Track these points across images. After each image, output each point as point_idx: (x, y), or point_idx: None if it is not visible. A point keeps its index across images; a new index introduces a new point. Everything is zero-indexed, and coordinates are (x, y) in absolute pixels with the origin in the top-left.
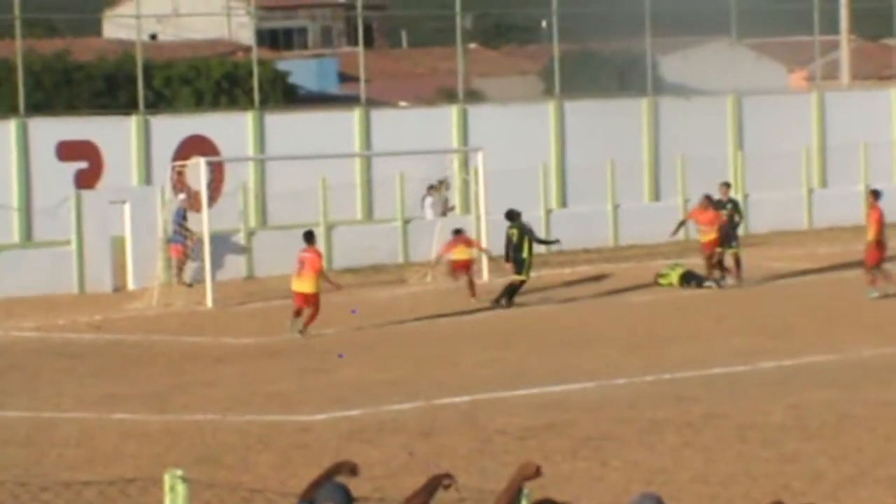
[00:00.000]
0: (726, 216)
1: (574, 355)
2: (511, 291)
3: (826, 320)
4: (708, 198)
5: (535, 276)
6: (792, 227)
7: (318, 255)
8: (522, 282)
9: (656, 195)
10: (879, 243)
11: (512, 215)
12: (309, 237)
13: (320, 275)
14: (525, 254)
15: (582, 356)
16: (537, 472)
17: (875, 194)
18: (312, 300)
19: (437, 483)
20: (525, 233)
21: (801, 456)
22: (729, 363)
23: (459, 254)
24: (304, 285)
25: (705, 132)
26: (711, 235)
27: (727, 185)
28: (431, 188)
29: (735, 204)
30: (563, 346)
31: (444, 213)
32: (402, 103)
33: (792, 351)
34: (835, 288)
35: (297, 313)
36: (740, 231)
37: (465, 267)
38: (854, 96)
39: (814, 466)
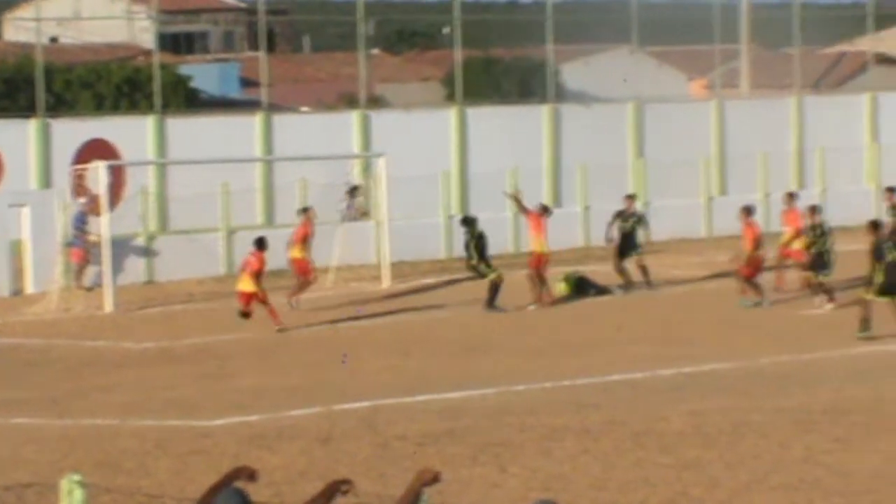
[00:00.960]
0: (630, 228)
1: (474, 362)
2: (490, 292)
3: (724, 328)
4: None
5: (435, 281)
6: (691, 234)
7: (259, 259)
8: (492, 281)
9: (557, 202)
10: (754, 259)
11: (465, 221)
12: (257, 243)
13: (254, 277)
14: (474, 260)
15: (482, 363)
16: (436, 478)
17: (748, 211)
18: (253, 298)
19: (335, 489)
20: (473, 238)
21: (698, 463)
22: (628, 370)
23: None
24: (242, 284)
25: (606, 139)
26: None
27: (631, 198)
28: (354, 189)
29: (639, 217)
30: (463, 353)
31: (355, 219)
32: (304, 108)
33: (690, 358)
34: (733, 296)
35: (244, 313)
36: (642, 238)
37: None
38: (753, 105)
39: (711, 473)
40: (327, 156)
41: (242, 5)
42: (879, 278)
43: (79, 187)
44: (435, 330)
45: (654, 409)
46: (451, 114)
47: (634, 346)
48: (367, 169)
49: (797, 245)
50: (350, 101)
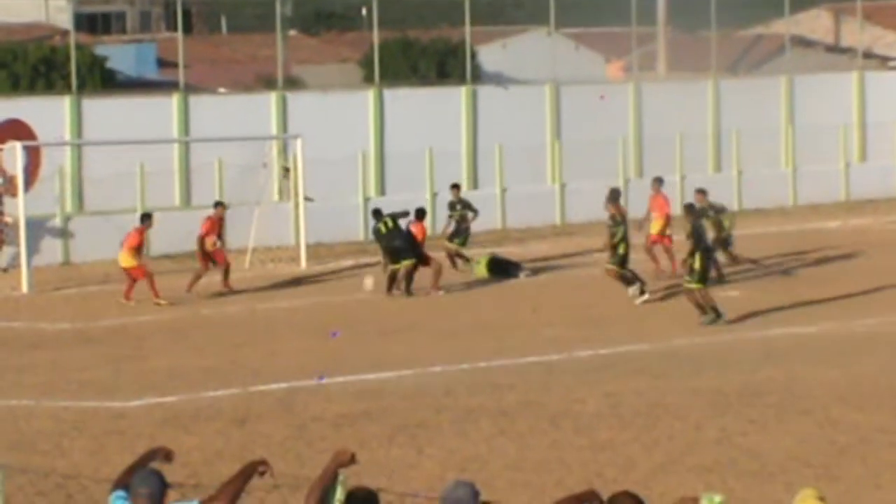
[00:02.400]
0: (459, 216)
1: (390, 343)
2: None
3: (638, 310)
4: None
5: (352, 263)
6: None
7: (137, 232)
8: (406, 268)
9: (475, 183)
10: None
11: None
12: (142, 217)
13: (132, 252)
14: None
15: (398, 344)
16: (352, 459)
17: (659, 182)
18: (133, 273)
19: (252, 470)
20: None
21: (614, 444)
22: (543, 352)
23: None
24: (122, 260)
25: (524, 121)
26: None
27: (457, 187)
28: (287, 170)
29: (465, 204)
30: (380, 335)
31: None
32: (222, 89)
33: (606, 340)
34: (648, 276)
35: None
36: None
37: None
38: (670, 87)
39: (626, 454)
40: (245, 137)
41: None
42: (697, 265)
43: None
44: (351, 312)
45: (570, 390)
46: (368, 95)
47: (550, 328)
48: (284, 150)
49: (655, 229)
50: (267, 83)
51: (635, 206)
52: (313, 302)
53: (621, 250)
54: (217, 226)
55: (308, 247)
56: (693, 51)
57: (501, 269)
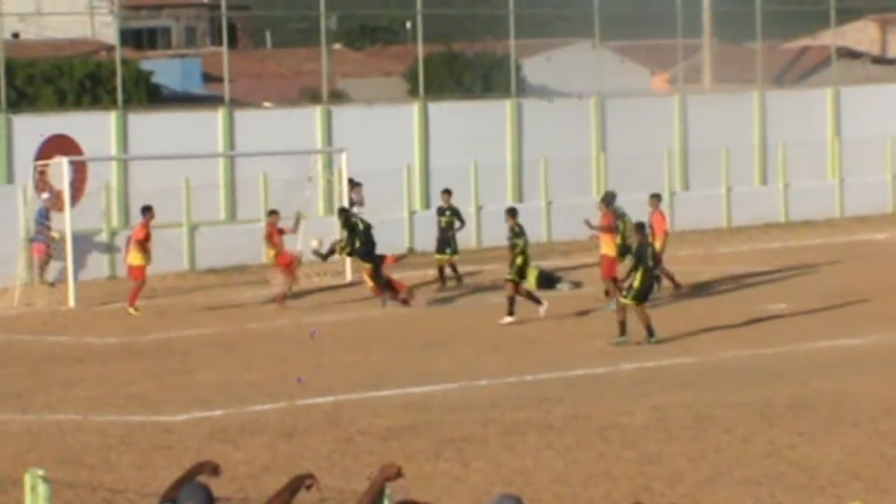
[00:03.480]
0: (445, 223)
1: (436, 357)
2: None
3: (686, 323)
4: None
5: (397, 277)
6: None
7: (141, 226)
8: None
9: (520, 196)
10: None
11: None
12: (143, 210)
13: (139, 246)
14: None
15: (444, 358)
16: (399, 473)
17: (658, 199)
18: (134, 273)
19: (299, 483)
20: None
21: (661, 457)
22: (590, 365)
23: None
24: (130, 257)
25: (568, 134)
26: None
27: (448, 193)
28: (356, 185)
29: (454, 211)
30: (426, 348)
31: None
32: (266, 104)
33: (652, 353)
34: (696, 289)
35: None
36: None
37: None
38: (715, 99)
39: (674, 467)
40: (289, 151)
41: (204, 1)
42: (637, 283)
43: (41, 183)
44: (397, 325)
45: (617, 403)
46: (413, 109)
47: (596, 339)
48: (328, 165)
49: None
50: (312, 97)
51: (679, 219)
52: (358, 315)
53: (519, 261)
54: (276, 232)
55: (353, 261)
56: (738, 63)
57: (549, 282)
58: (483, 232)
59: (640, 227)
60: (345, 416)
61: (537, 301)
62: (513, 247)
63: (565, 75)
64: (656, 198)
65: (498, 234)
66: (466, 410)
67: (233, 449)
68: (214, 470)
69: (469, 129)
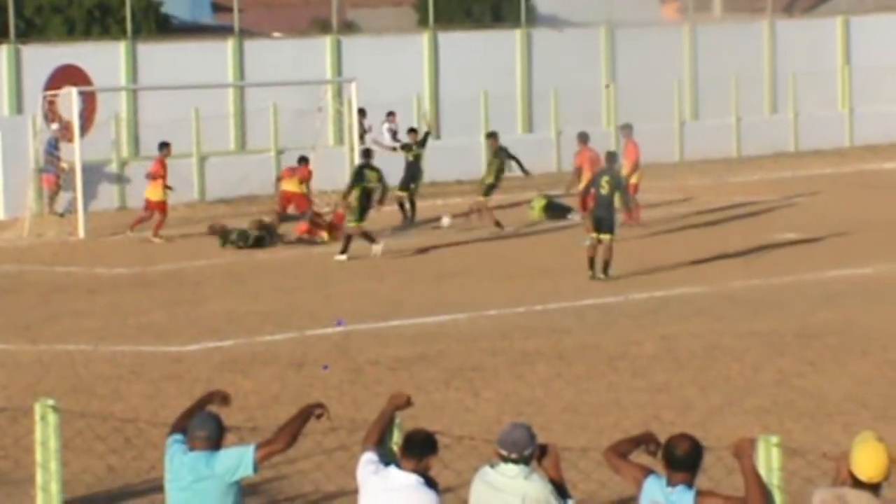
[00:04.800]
0: (413, 157)
1: (446, 287)
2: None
3: (695, 252)
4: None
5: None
6: (664, 159)
7: (158, 162)
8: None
9: (530, 127)
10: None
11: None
12: (160, 146)
13: (156, 183)
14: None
15: (454, 288)
16: (408, 403)
17: (629, 129)
18: (153, 206)
19: (309, 413)
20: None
21: (670, 386)
22: (600, 294)
23: (288, 185)
24: (149, 193)
25: (578, 64)
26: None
27: (414, 132)
28: (390, 115)
29: (423, 140)
30: (435, 279)
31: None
32: (276, 34)
33: (662, 282)
34: (703, 219)
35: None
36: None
37: (289, 200)
38: (725, 28)
39: (683, 396)
40: (299, 81)
41: None
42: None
43: (50, 113)
44: (407, 255)
45: (627, 333)
46: (423, 39)
47: (600, 271)
48: (338, 94)
49: (633, 179)
50: (322, 27)
51: (690, 149)
52: (367, 246)
53: (490, 180)
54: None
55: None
56: None
57: (556, 211)
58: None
59: (610, 156)
60: (354, 346)
61: (371, 240)
62: (490, 164)
63: (575, 5)
64: (627, 128)
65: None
66: (476, 340)
67: (243, 379)
68: (224, 399)
69: (479, 60)
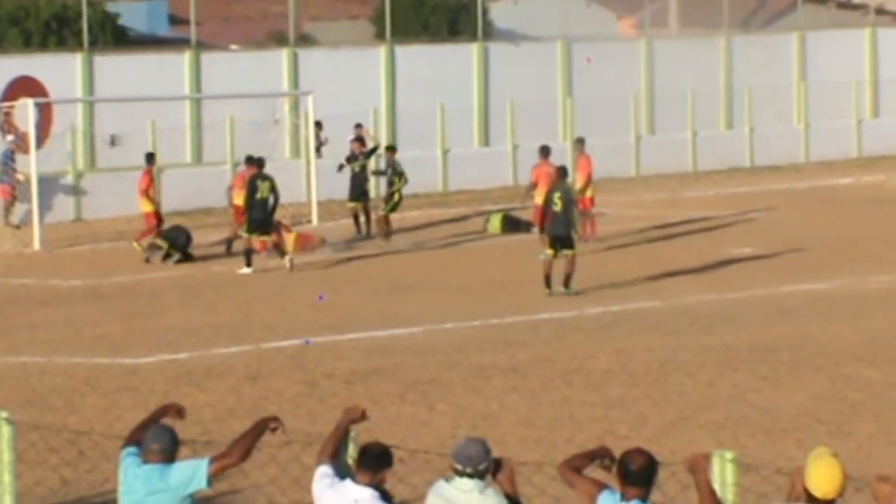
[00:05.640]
0: (359, 168)
1: (402, 300)
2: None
3: (651, 267)
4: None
5: (363, 219)
6: (620, 173)
7: (144, 174)
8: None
9: (486, 141)
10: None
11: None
12: (146, 157)
13: (144, 195)
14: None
15: (409, 301)
16: (363, 416)
17: (581, 143)
18: (148, 219)
19: (264, 426)
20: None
21: (625, 401)
22: (556, 309)
23: (238, 198)
24: (141, 205)
25: (535, 78)
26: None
27: (359, 140)
28: (358, 126)
29: (369, 153)
30: (391, 292)
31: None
32: (233, 46)
33: (618, 297)
34: (659, 233)
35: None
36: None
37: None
38: (682, 44)
39: (638, 411)
40: (256, 94)
41: None
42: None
43: (6, 125)
44: (362, 268)
45: (582, 347)
46: (379, 52)
47: (560, 285)
48: (295, 107)
49: (588, 193)
50: (279, 40)
51: (646, 163)
52: (324, 258)
53: (396, 199)
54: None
55: (320, 203)
56: (705, 7)
57: (514, 226)
58: (449, 175)
59: (560, 171)
60: (310, 359)
61: (282, 254)
62: (390, 184)
63: (532, 19)
64: (580, 142)
65: (463, 178)
66: (432, 353)
67: (198, 391)
68: (179, 412)
69: (436, 73)
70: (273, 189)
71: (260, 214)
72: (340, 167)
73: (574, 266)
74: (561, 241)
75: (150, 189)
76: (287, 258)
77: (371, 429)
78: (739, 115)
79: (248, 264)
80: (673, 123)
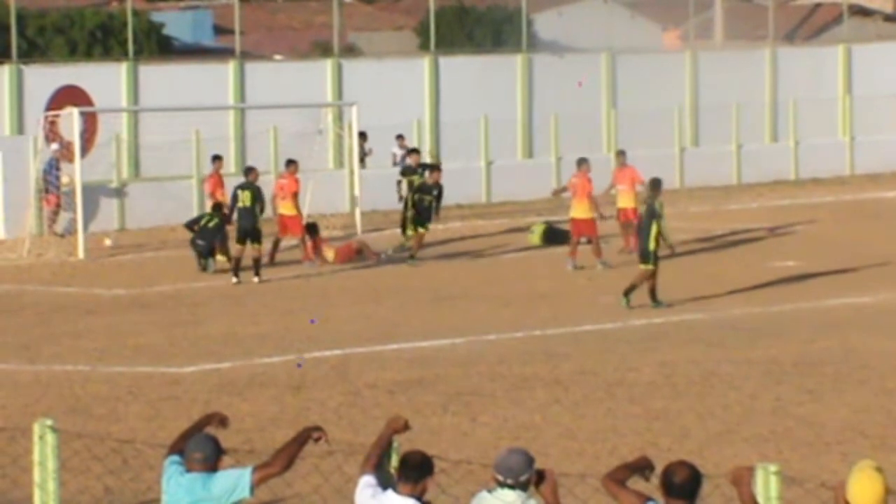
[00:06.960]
0: (416, 181)
1: (445, 311)
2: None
3: (696, 279)
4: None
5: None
6: (664, 185)
7: (211, 178)
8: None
9: (529, 152)
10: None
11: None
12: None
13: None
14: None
15: (453, 312)
16: (406, 427)
17: (623, 155)
18: (291, 223)
19: (306, 436)
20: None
21: (668, 413)
22: (599, 320)
23: (284, 208)
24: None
25: (579, 90)
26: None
27: (415, 152)
28: (399, 137)
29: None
30: (434, 302)
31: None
32: (277, 56)
33: (661, 309)
34: (705, 246)
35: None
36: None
37: (286, 225)
38: (727, 56)
39: (681, 424)
40: (300, 104)
41: None
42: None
43: (51, 133)
44: (405, 278)
45: (625, 359)
46: (424, 63)
47: (605, 296)
48: (339, 118)
49: (632, 205)
50: (323, 50)
51: (690, 175)
52: (367, 269)
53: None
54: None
55: (363, 214)
56: (750, 19)
57: (555, 238)
58: (493, 187)
59: (653, 184)
60: (352, 369)
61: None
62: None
63: (576, 31)
64: (621, 154)
65: (507, 190)
66: (474, 364)
67: (240, 401)
68: (222, 422)
69: (479, 84)
70: (255, 198)
71: (247, 223)
72: (399, 183)
73: (641, 279)
74: (639, 255)
75: (217, 191)
76: (256, 278)
77: (413, 439)
78: (784, 128)
79: (236, 274)
80: (717, 136)
